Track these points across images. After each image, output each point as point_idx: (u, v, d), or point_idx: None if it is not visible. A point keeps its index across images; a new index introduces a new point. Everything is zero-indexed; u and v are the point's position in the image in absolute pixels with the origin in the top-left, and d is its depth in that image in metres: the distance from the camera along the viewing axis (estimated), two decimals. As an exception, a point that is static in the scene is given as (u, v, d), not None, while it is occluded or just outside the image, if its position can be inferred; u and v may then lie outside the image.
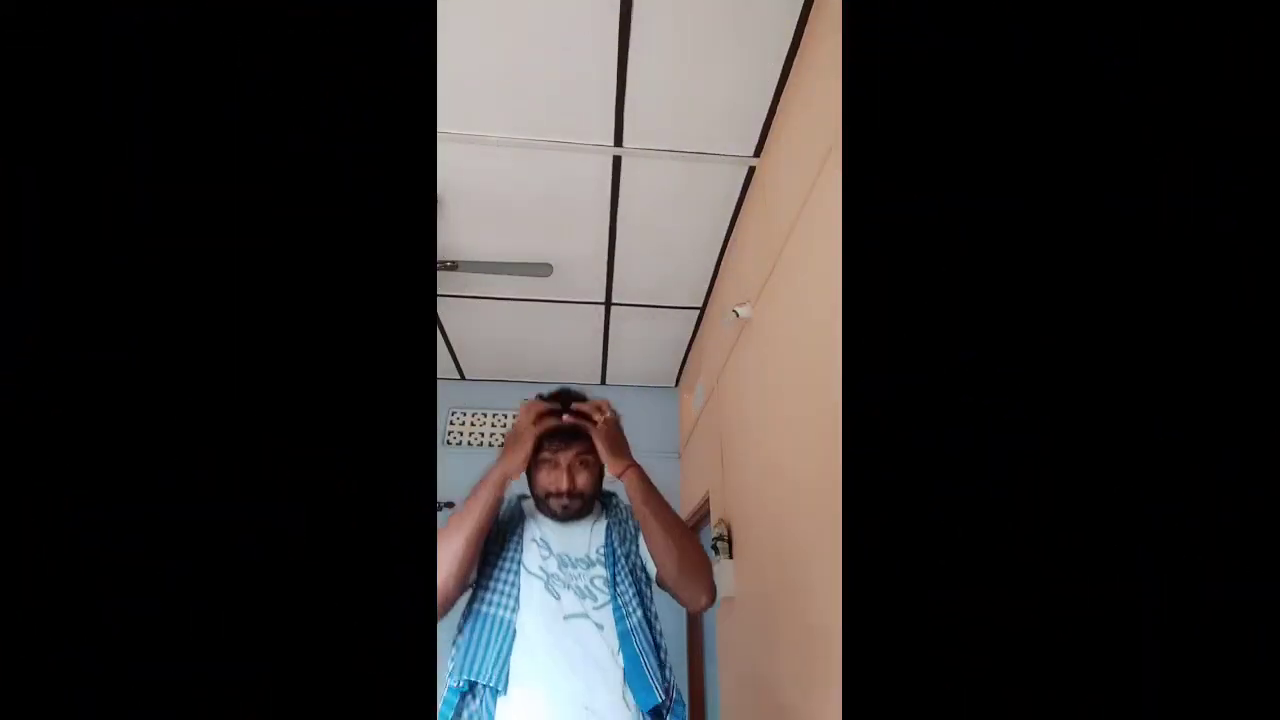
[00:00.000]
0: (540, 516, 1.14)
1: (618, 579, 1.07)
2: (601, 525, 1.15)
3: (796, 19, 1.46)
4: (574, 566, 1.09)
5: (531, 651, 0.98)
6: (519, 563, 1.08)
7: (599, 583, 1.07)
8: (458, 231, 2.00)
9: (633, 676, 0.98)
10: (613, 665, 0.99)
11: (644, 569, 1.11)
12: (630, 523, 1.14)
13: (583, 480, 1.11)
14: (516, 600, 1.04)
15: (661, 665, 1.02)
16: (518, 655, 0.98)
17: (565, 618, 1.02)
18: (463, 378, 3.12)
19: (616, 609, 1.03)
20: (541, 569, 1.07)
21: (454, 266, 2.09)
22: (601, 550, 1.11)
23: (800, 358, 1.38)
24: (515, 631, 1.00)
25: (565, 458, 1.10)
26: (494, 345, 2.71)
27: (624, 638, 1.01)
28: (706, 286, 2.45)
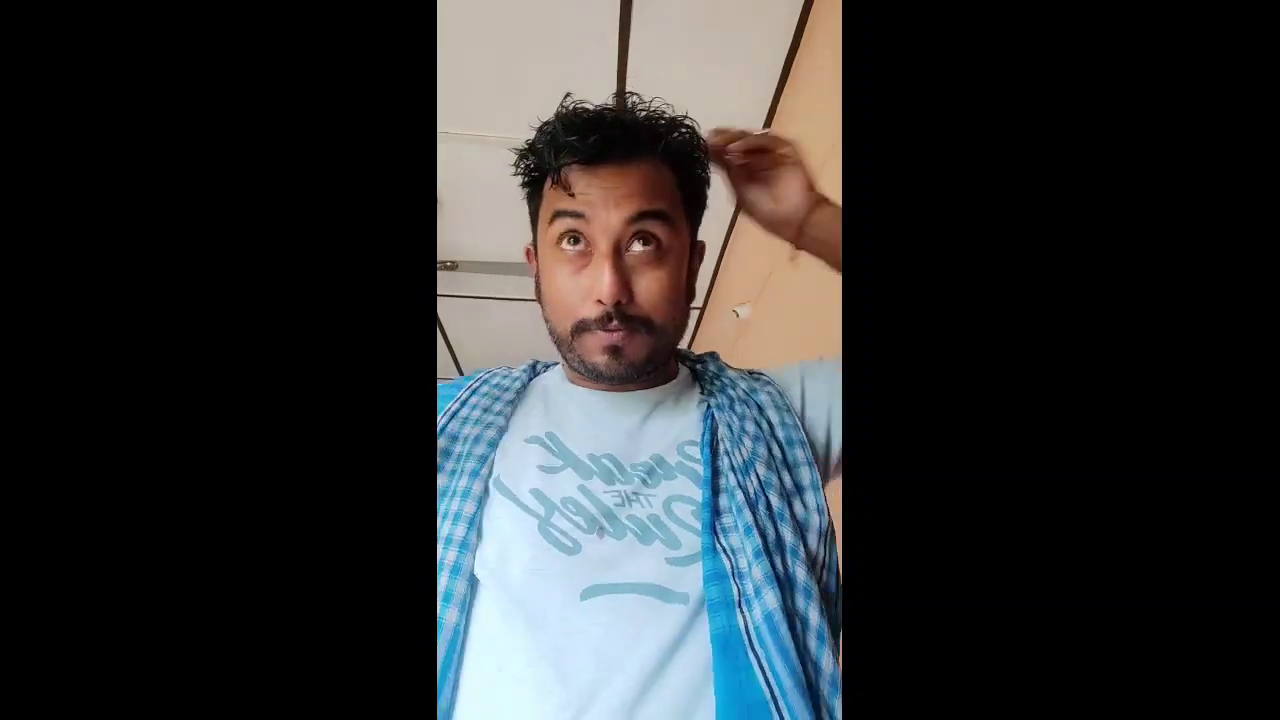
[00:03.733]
0: (561, 390, 0.61)
1: (727, 509, 0.50)
2: (694, 405, 0.59)
3: (796, 19, 1.46)
4: (622, 477, 0.53)
5: (502, 669, 0.46)
6: (486, 481, 0.54)
7: (679, 511, 0.51)
8: (458, 231, 2.00)
9: None
10: (692, 699, 0.44)
11: (799, 489, 0.53)
12: (764, 408, 0.58)
13: (651, 287, 0.54)
14: (470, 559, 0.50)
15: (819, 715, 0.43)
16: (474, 679, 0.47)
17: (588, 591, 0.47)
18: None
19: (716, 571, 0.47)
20: (539, 491, 0.52)
21: (454, 266, 2.09)
22: (691, 448, 0.55)
23: (800, 358, 1.38)
24: (463, 635, 0.48)
25: (609, 228, 0.52)
26: (494, 345, 2.71)
27: (727, 640, 0.44)
28: (707, 286, 2.45)
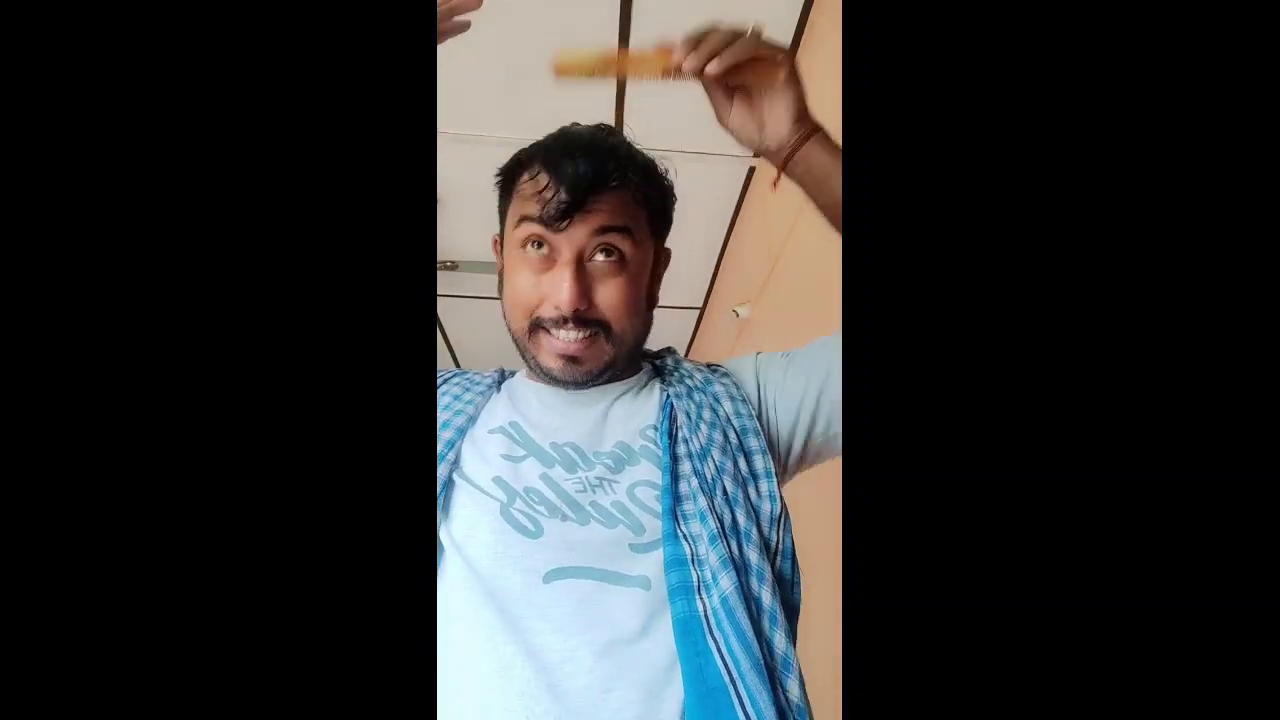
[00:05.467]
0: (523, 385, 0.62)
1: (686, 495, 0.51)
2: (654, 395, 0.60)
3: (796, 19, 1.46)
4: (584, 465, 0.54)
5: (463, 645, 0.47)
6: (451, 466, 0.54)
7: (642, 495, 0.52)
8: (458, 231, 2.00)
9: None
10: (660, 682, 0.45)
11: (753, 476, 0.53)
12: (720, 394, 0.58)
13: (612, 295, 0.54)
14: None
15: (779, 706, 0.43)
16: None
17: (550, 574, 0.48)
18: (463, 378, 3.12)
19: (676, 557, 0.48)
20: (501, 479, 0.52)
21: (454, 266, 2.09)
22: (653, 432, 0.56)
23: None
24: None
25: (573, 239, 0.53)
26: (494, 345, 2.70)
27: (687, 625, 0.45)
28: (706, 286, 2.45)
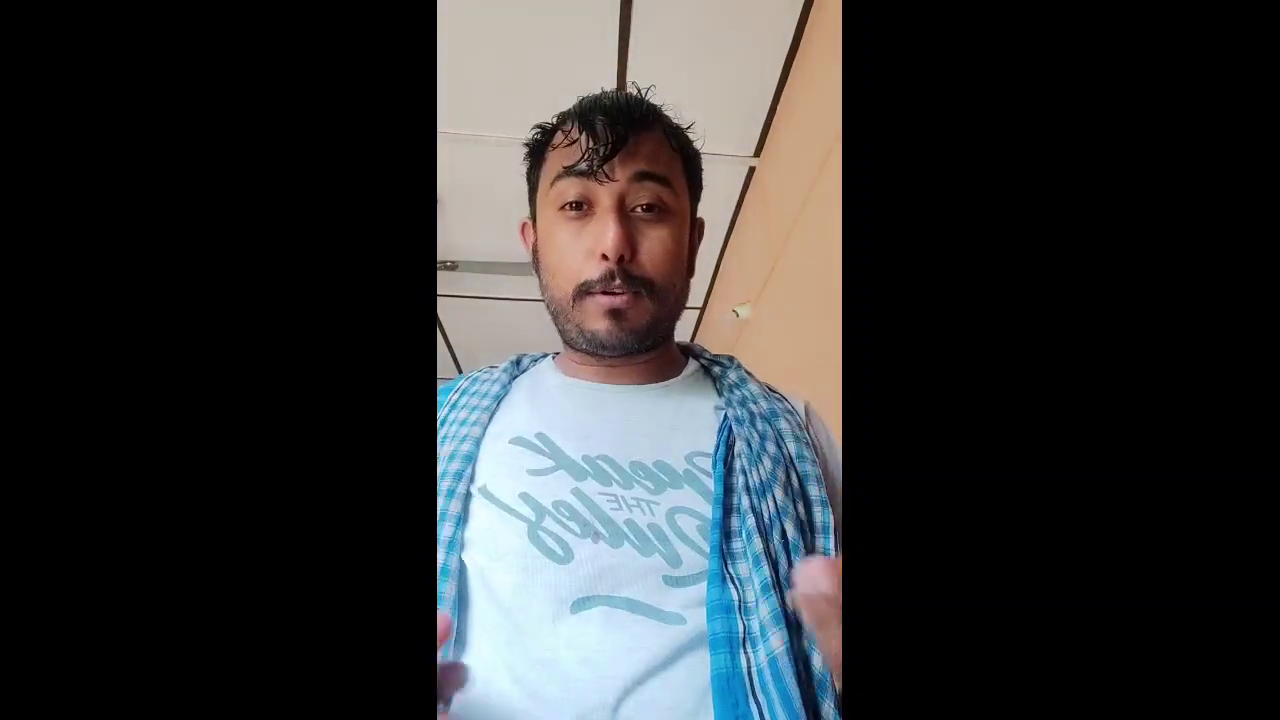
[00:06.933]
0: (550, 379, 0.59)
1: (736, 531, 0.47)
2: (705, 402, 0.56)
3: (796, 19, 1.46)
4: (621, 480, 0.49)
5: (487, 678, 0.44)
6: (469, 486, 0.51)
7: (683, 524, 0.48)
8: (458, 231, 2.00)
9: None
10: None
11: (812, 529, 0.48)
12: (785, 432, 0.53)
13: (654, 247, 0.53)
14: (455, 560, 0.48)
15: None
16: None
17: (579, 603, 0.45)
18: (463, 378, 3.12)
19: (723, 603, 0.44)
20: (528, 495, 0.49)
21: (454, 266, 2.09)
22: (703, 460, 0.51)
23: (800, 358, 1.38)
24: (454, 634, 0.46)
25: (613, 188, 0.52)
26: (494, 345, 2.71)
27: (729, 683, 0.42)
28: (706, 286, 2.45)
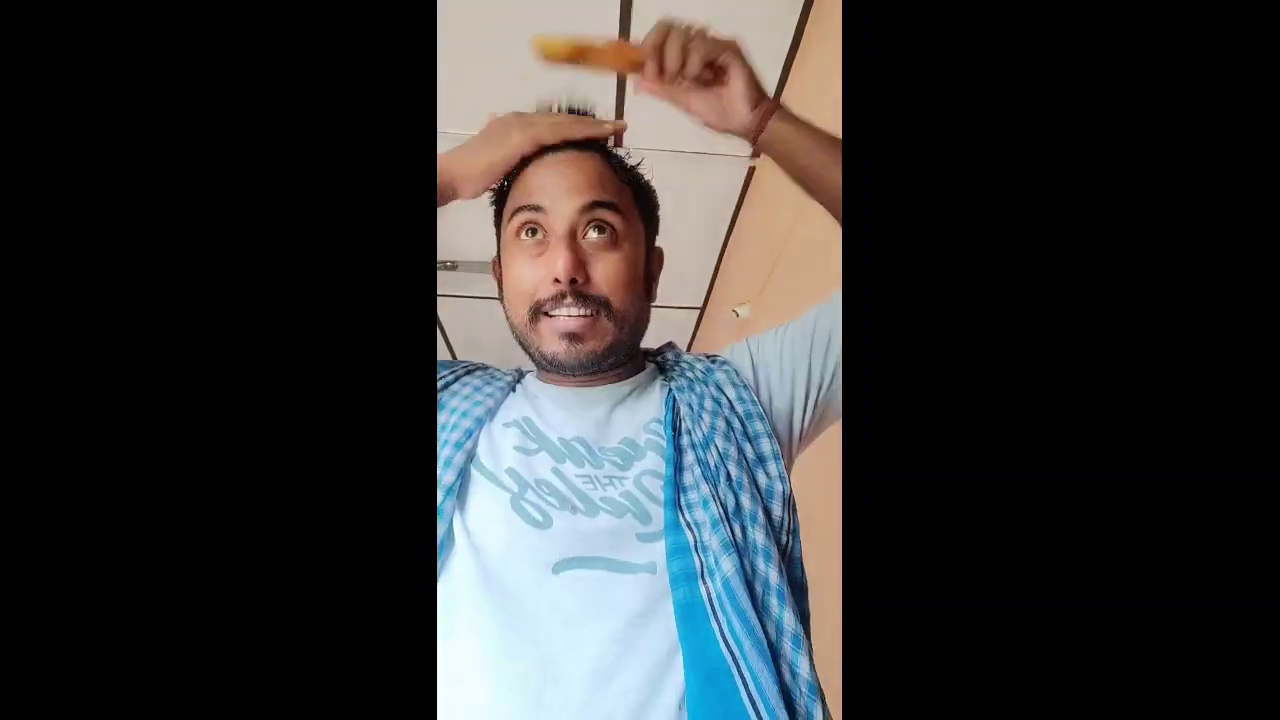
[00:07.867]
0: (536, 384, 0.63)
1: (690, 485, 0.52)
2: (657, 391, 0.61)
3: (796, 19, 1.46)
4: (593, 461, 0.55)
5: (464, 651, 0.47)
6: (469, 454, 0.55)
7: (649, 485, 0.53)
8: (458, 231, 2.00)
9: (704, 707, 0.43)
10: (661, 667, 0.45)
11: (760, 459, 0.55)
12: (721, 385, 0.59)
13: (607, 269, 0.56)
14: (443, 526, 0.51)
15: (783, 685, 0.43)
16: (441, 645, 0.46)
17: (560, 564, 0.49)
18: (463, 378, 3.12)
19: (678, 545, 0.48)
20: (514, 471, 0.54)
21: (454, 266, 2.09)
22: (657, 426, 0.57)
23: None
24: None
25: (564, 217, 0.56)
26: (494, 345, 2.70)
27: (689, 610, 0.46)
28: (706, 286, 2.45)
